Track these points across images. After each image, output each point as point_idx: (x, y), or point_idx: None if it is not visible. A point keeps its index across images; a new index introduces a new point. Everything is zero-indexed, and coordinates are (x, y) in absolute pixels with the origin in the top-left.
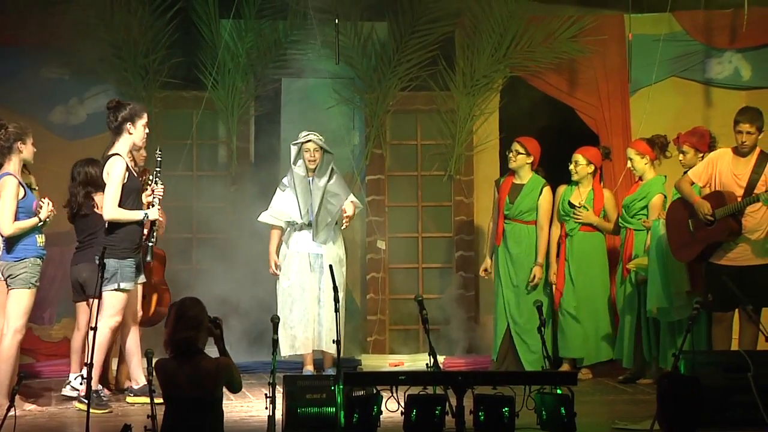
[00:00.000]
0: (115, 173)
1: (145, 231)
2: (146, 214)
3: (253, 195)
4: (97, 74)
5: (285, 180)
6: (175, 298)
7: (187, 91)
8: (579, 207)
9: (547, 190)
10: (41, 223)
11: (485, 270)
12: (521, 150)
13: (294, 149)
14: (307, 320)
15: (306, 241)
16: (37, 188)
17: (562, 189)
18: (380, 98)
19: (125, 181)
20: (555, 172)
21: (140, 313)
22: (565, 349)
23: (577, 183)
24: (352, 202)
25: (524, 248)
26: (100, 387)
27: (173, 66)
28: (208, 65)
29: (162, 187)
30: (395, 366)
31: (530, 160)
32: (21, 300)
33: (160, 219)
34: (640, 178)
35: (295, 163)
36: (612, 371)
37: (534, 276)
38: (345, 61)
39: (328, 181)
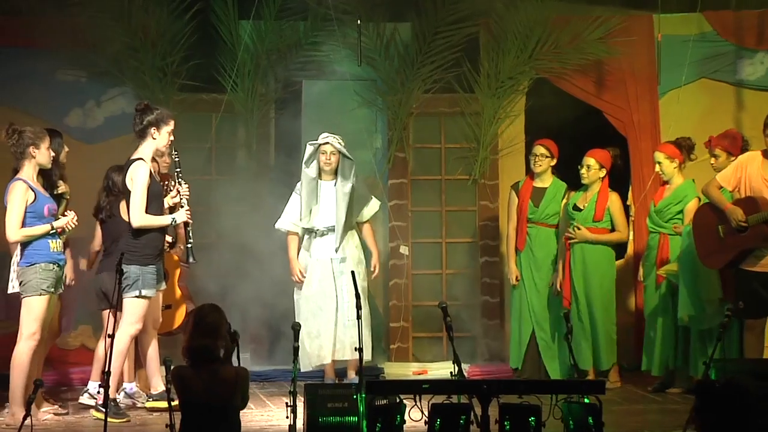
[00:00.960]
0: (139, 178)
1: (174, 234)
2: (174, 218)
3: (273, 200)
4: (114, 76)
5: (299, 184)
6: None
7: (206, 93)
8: (573, 227)
9: (568, 194)
10: (53, 230)
11: (517, 278)
12: (546, 153)
13: (309, 149)
14: (331, 328)
15: (327, 248)
16: (68, 197)
17: (570, 194)
18: (403, 100)
19: (150, 185)
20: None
21: (160, 320)
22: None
23: (587, 187)
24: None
25: (550, 252)
26: (119, 395)
27: (192, 68)
28: (228, 67)
29: (187, 186)
30: (419, 374)
31: (554, 162)
32: (32, 307)
33: (191, 220)
34: (666, 182)
35: (307, 163)
36: (641, 380)
37: (553, 282)
38: (367, 63)
39: (352, 190)
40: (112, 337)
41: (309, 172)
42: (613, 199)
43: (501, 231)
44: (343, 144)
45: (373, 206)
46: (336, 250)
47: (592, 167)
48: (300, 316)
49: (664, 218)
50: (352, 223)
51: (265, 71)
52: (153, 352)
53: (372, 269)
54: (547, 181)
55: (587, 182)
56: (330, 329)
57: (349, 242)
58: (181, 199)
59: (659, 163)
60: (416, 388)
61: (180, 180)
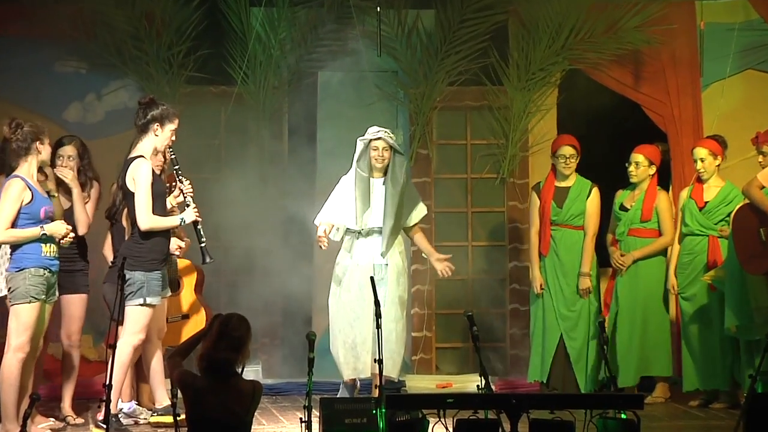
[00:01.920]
0: (142, 177)
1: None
2: (182, 218)
3: (286, 199)
4: (116, 68)
5: (343, 179)
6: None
7: (215, 86)
8: (616, 250)
9: (595, 191)
10: (43, 234)
11: (541, 286)
12: (575, 153)
13: (360, 145)
14: (369, 340)
15: (370, 251)
16: (56, 195)
17: (618, 194)
18: (426, 94)
19: (152, 184)
20: (621, 173)
21: (165, 329)
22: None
23: (635, 185)
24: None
25: (577, 255)
26: (127, 408)
27: (199, 59)
28: (238, 58)
29: (189, 182)
30: (443, 388)
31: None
32: (20, 316)
33: (200, 218)
34: (702, 181)
35: (358, 160)
36: (682, 394)
37: (580, 287)
38: (387, 53)
39: (404, 188)
40: (113, 347)
41: (362, 171)
42: (662, 198)
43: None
44: (394, 139)
45: (421, 210)
46: (382, 255)
47: (641, 164)
48: (335, 323)
49: (713, 220)
50: (400, 226)
51: (277, 62)
52: (157, 364)
53: (442, 273)
54: (570, 180)
55: (636, 180)
56: (369, 340)
57: (395, 248)
58: (185, 197)
59: (701, 159)
60: (440, 402)
61: (180, 177)
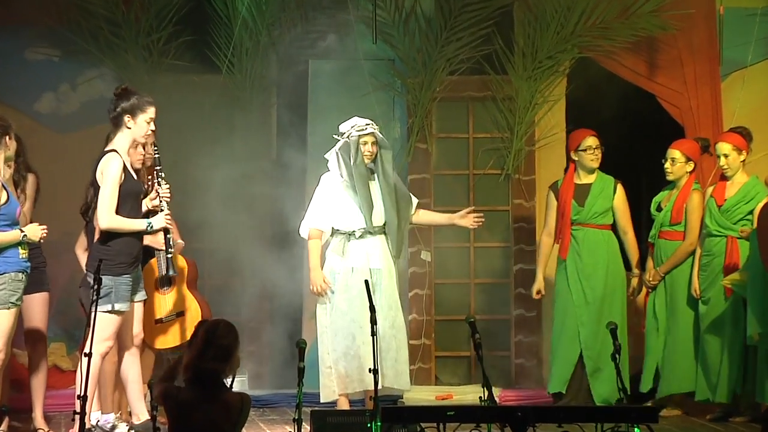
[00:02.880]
0: (110, 173)
1: (159, 240)
2: (150, 223)
3: (274, 200)
4: (91, 56)
5: (327, 179)
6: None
7: (198, 75)
8: (646, 272)
9: (621, 188)
10: (24, 238)
11: (539, 292)
12: (680, 158)
13: (353, 143)
14: (371, 350)
15: (364, 254)
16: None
17: (661, 194)
18: (425, 83)
19: (123, 182)
20: (635, 168)
21: (141, 336)
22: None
23: (674, 184)
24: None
25: (601, 257)
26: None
27: (181, 46)
28: (223, 45)
29: (168, 187)
30: (443, 399)
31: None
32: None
33: (170, 226)
34: (726, 178)
35: (355, 160)
36: (698, 407)
37: (633, 288)
38: (383, 40)
39: (395, 182)
40: (88, 356)
41: (361, 168)
42: (693, 198)
43: (538, 234)
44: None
45: (413, 200)
46: (395, 257)
47: (677, 161)
48: (329, 333)
49: (732, 219)
50: (403, 222)
51: (265, 49)
52: (135, 374)
53: (473, 226)
54: (590, 176)
55: (672, 178)
56: (370, 351)
57: (385, 250)
58: (160, 202)
59: (725, 155)
60: (440, 415)
61: (160, 180)
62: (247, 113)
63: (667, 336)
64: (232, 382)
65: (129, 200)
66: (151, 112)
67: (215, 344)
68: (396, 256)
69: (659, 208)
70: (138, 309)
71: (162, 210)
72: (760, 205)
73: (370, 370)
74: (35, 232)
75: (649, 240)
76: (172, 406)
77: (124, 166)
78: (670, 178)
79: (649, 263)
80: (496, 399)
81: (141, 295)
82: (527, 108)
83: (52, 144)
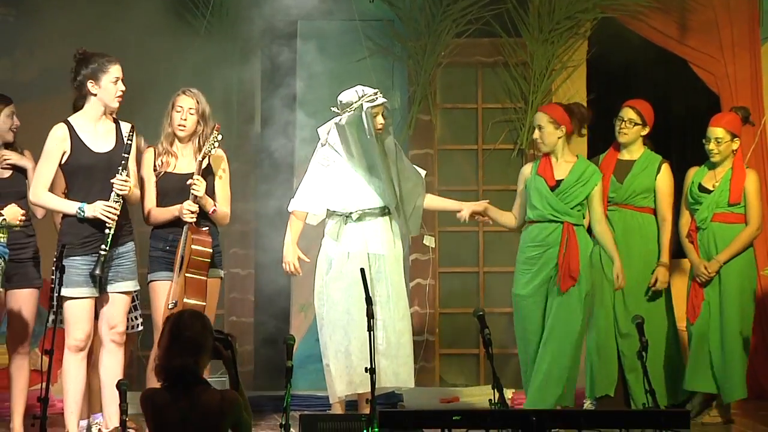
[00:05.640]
0: (46, 145)
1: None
2: (80, 208)
3: (261, 177)
4: (52, 14)
5: (323, 155)
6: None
7: (173, 37)
8: (699, 261)
9: (666, 167)
10: (3, 218)
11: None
12: (636, 119)
13: (368, 115)
14: (366, 347)
15: (362, 238)
16: None
17: (692, 172)
18: (428, 47)
19: (69, 155)
20: (666, 144)
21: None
22: (695, 380)
23: (713, 163)
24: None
25: (639, 242)
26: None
27: (153, 5)
28: (200, 3)
29: (124, 180)
30: (448, 402)
31: (645, 131)
32: None
33: (107, 219)
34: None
35: (370, 134)
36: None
37: (656, 279)
38: None
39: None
40: (50, 353)
41: (372, 139)
42: (752, 179)
43: None
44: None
45: (422, 173)
46: (415, 232)
47: (723, 140)
48: (326, 328)
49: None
50: (414, 198)
51: (248, 8)
52: (107, 375)
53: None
54: (636, 152)
55: (719, 159)
56: (363, 348)
57: (388, 233)
58: (113, 190)
59: (716, 140)
60: (445, 420)
61: (120, 168)
62: (229, 81)
63: (722, 333)
64: (235, 375)
65: (79, 176)
66: (114, 71)
67: (182, 337)
68: (414, 232)
69: (703, 188)
70: (120, 301)
71: (108, 199)
72: None
73: (366, 370)
74: (15, 213)
75: (698, 225)
76: (148, 410)
77: (71, 134)
78: (715, 159)
79: (693, 253)
80: (508, 402)
81: (125, 286)
82: (543, 75)
83: None
